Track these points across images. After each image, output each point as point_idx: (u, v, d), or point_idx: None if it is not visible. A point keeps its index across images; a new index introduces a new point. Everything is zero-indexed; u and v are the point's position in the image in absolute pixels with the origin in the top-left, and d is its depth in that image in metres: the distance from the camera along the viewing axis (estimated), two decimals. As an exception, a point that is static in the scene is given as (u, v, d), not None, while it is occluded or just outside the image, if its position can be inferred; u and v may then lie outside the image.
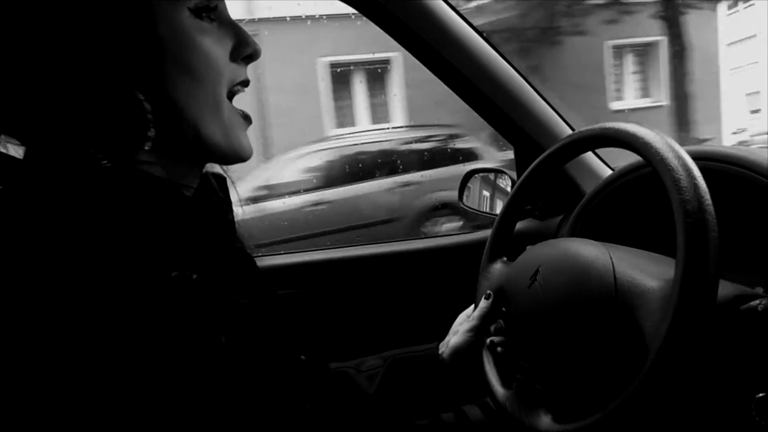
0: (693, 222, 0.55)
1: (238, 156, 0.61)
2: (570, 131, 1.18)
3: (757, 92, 14.31)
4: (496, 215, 1.43)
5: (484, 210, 1.52)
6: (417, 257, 1.37)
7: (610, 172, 1.17)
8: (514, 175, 1.38)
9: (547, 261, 0.75)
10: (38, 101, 0.50)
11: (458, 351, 0.87)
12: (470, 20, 1.10)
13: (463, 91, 1.16)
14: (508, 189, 1.44)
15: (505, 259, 0.91)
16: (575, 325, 0.67)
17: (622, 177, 0.95)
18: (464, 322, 0.90)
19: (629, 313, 0.61)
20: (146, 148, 0.53)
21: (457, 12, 1.08)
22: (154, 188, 0.53)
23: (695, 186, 0.57)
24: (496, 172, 1.53)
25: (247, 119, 0.63)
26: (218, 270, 0.55)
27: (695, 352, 0.55)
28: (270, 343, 0.59)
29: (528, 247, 0.91)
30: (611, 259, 0.67)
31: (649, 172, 0.90)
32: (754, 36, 13.58)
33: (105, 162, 0.51)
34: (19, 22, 0.49)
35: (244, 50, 0.60)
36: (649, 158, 0.64)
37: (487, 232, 1.38)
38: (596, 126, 0.76)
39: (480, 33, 1.11)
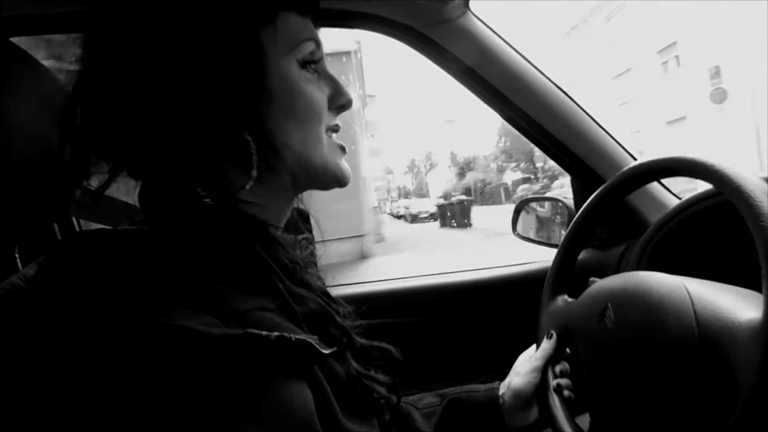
0: None
1: (338, 180, 0.64)
2: (631, 160, 1.15)
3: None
4: (553, 245, 1.43)
5: (540, 240, 1.49)
6: (474, 289, 1.36)
7: (675, 200, 1.13)
8: (570, 203, 1.35)
9: (616, 296, 0.72)
10: (157, 141, 0.54)
11: (520, 393, 0.84)
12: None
13: (517, 121, 1.15)
14: (565, 218, 1.42)
15: (566, 297, 0.88)
16: (654, 365, 0.63)
17: (690, 206, 0.92)
18: (526, 362, 0.87)
19: (714, 350, 0.58)
20: (248, 187, 0.55)
21: (512, 46, 1.09)
22: (248, 227, 0.55)
23: None
24: (551, 200, 1.51)
25: (343, 150, 0.66)
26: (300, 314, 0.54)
27: None
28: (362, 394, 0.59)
29: (592, 281, 0.88)
30: (688, 292, 0.64)
31: (721, 201, 0.87)
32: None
33: (207, 200, 0.53)
34: (146, 65, 0.53)
35: (339, 99, 0.65)
36: (723, 186, 0.61)
37: (545, 263, 1.37)
38: (663, 156, 0.74)
39: (532, 63, 1.11)
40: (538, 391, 0.83)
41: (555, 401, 0.81)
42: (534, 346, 0.90)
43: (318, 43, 0.62)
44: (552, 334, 0.84)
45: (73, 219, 1.05)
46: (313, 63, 0.62)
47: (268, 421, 0.42)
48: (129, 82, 0.54)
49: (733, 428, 0.52)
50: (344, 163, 0.66)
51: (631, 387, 0.66)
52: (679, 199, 1.10)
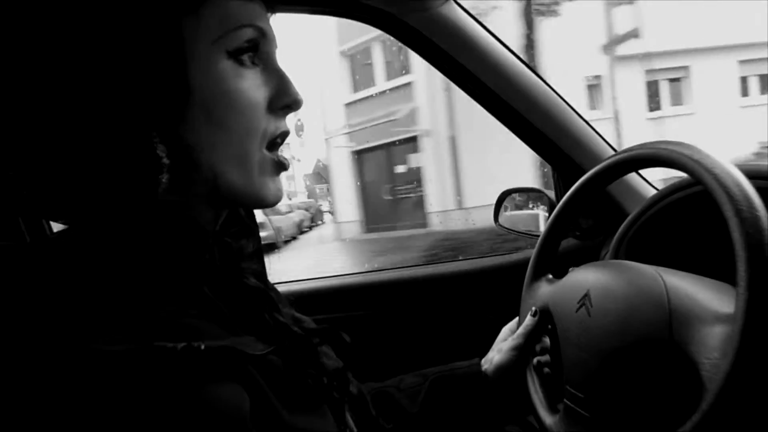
0: (754, 247, 0.52)
1: (259, 202, 0.56)
2: (611, 151, 1.15)
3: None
4: (535, 235, 1.43)
5: (522, 231, 1.50)
6: (455, 280, 1.36)
7: (653, 191, 1.14)
8: (551, 194, 1.36)
9: (596, 285, 0.73)
10: (52, 138, 0.47)
11: (502, 369, 0.85)
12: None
13: (498, 111, 1.15)
14: (545, 209, 1.42)
15: (550, 276, 0.89)
16: (626, 355, 0.64)
17: (667, 196, 0.93)
18: (508, 338, 0.88)
19: (684, 347, 0.58)
20: (159, 191, 0.49)
21: (492, 33, 1.08)
22: (169, 223, 0.51)
23: (752, 207, 0.54)
24: (533, 191, 1.51)
25: (279, 167, 0.57)
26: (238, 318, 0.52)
27: (757, 393, 0.52)
28: (313, 387, 0.56)
29: (574, 269, 0.88)
30: (665, 285, 0.64)
31: (698, 191, 0.88)
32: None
33: (122, 201, 0.48)
34: (39, 57, 0.46)
35: (282, 100, 0.55)
36: (701, 177, 0.61)
37: (525, 254, 1.37)
38: (642, 146, 0.74)
39: (514, 53, 1.10)
40: (518, 367, 0.85)
41: (534, 379, 0.83)
42: (515, 320, 0.92)
43: (262, 31, 0.53)
44: (536, 311, 0.85)
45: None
46: (251, 53, 0.53)
47: (196, 428, 0.40)
48: (22, 73, 0.46)
49: (690, 429, 0.53)
50: (273, 183, 0.57)
51: (603, 374, 0.67)
52: (657, 189, 1.11)
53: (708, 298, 0.61)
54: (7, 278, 0.47)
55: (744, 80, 14.14)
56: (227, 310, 0.50)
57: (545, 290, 0.87)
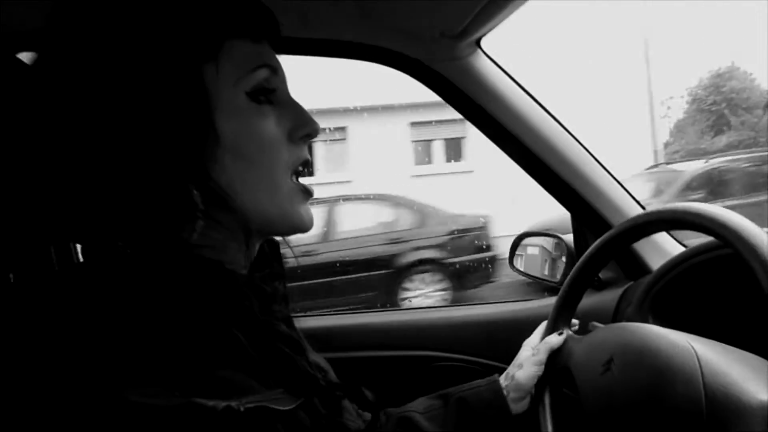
0: None
1: (295, 228, 0.60)
2: (637, 206, 1.15)
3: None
4: (551, 281, 1.42)
5: (538, 276, 1.48)
6: (469, 325, 1.34)
7: (677, 247, 1.13)
8: (569, 240, 1.34)
9: (622, 350, 0.71)
10: (92, 187, 0.49)
11: (522, 385, 0.84)
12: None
13: (522, 159, 1.15)
14: (564, 256, 1.41)
15: (571, 332, 0.88)
16: (655, 430, 0.62)
17: (695, 256, 0.91)
18: (529, 355, 0.87)
19: (720, 427, 0.56)
20: (195, 236, 0.51)
21: (518, 83, 1.09)
22: (205, 273, 0.51)
23: None
24: (550, 236, 1.50)
25: (307, 193, 0.60)
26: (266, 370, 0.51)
27: None
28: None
29: (595, 325, 0.87)
30: (698, 359, 0.62)
31: (729, 253, 0.87)
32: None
33: (156, 250, 0.50)
34: (78, 107, 0.48)
35: (301, 130, 0.59)
36: (735, 246, 0.60)
37: (542, 302, 1.35)
38: (675, 206, 0.73)
39: (540, 103, 1.11)
40: (541, 383, 0.84)
41: (546, 401, 0.83)
42: (536, 334, 0.91)
43: (274, 69, 0.57)
44: (562, 331, 0.85)
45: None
46: (268, 92, 0.56)
47: None
48: (60, 125, 0.49)
49: None
50: (305, 210, 0.60)
51: None
52: (684, 246, 1.10)
53: (743, 377, 0.59)
54: (40, 312, 0.47)
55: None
56: (259, 359, 0.50)
57: (566, 347, 0.85)
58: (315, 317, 1.41)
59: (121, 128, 0.48)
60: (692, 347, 0.64)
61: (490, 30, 0.94)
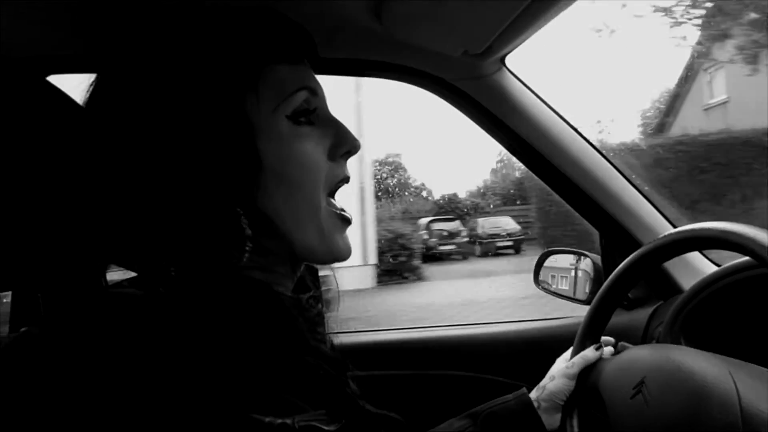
0: None
1: (334, 258, 0.60)
2: (667, 224, 1.12)
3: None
4: (577, 300, 1.39)
5: (564, 295, 1.46)
6: (494, 343, 1.32)
7: (709, 266, 1.10)
8: (596, 258, 1.32)
9: (654, 372, 0.69)
10: (145, 217, 0.51)
11: (555, 398, 0.83)
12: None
13: (548, 176, 1.14)
14: (590, 274, 1.38)
15: (600, 350, 0.86)
16: None
17: (729, 275, 0.89)
18: (562, 368, 0.86)
19: None
20: (244, 260, 0.52)
21: (543, 100, 1.08)
22: (255, 295, 0.53)
23: None
24: (576, 254, 1.48)
25: (345, 221, 0.61)
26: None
27: None
28: None
29: (625, 345, 0.85)
30: (734, 383, 0.60)
31: (761, 273, 0.84)
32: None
33: (207, 269, 0.52)
34: (121, 147, 0.51)
35: (342, 148, 0.60)
36: (766, 261, 0.58)
37: (565, 321, 1.33)
38: (705, 225, 0.71)
39: (565, 119, 1.10)
40: (566, 402, 0.83)
41: (574, 422, 0.82)
42: (571, 350, 0.90)
43: (313, 90, 0.58)
44: (600, 346, 0.84)
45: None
46: (308, 113, 0.57)
47: None
48: (112, 156, 0.52)
49: None
50: (344, 240, 0.61)
51: None
52: (717, 266, 1.07)
53: None
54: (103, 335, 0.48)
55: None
56: (305, 379, 0.51)
57: (596, 366, 0.83)
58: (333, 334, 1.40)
59: (170, 159, 0.50)
60: (729, 372, 0.62)
61: (515, 48, 0.94)
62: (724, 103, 12.16)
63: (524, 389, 0.86)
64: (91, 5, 0.72)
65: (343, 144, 0.59)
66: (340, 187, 0.61)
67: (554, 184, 1.14)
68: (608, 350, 0.86)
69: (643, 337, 1.12)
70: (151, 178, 0.50)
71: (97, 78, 0.55)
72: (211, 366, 0.45)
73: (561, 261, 1.55)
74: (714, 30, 10.50)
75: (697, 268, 1.11)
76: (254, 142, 0.52)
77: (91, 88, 0.55)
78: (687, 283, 1.08)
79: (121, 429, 0.42)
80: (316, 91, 0.58)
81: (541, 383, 0.87)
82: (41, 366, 0.47)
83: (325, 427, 0.46)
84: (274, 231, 0.54)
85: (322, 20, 0.84)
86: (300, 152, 0.55)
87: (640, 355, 0.76)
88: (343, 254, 0.60)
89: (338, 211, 0.60)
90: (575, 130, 1.10)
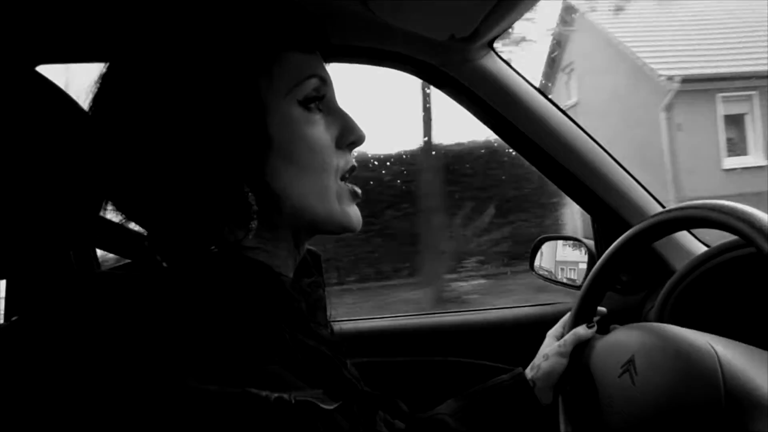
0: None
1: (345, 229, 0.62)
2: (657, 206, 1.12)
3: None
4: (571, 285, 1.40)
5: (559, 280, 1.46)
6: (488, 329, 1.33)
7: (701, 247, 1.10)
8: (590, 244, 1.32)
9: (642, 350, 0.70)
10: (156, 189, 0.54)
11: (549, 375, 0.84)
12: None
13: (538, 160, 1.14)
14: (585, 259, 1.39)
15: (593, 327, 0.87)
16: (674, 430, 0.61)
17: (717, 255, 0.89)
18: (554, 345, 0.87)
19: (739, 424, 0.55)
20: (249, 237, 0.54)
21: (534, 87, 1.08)
22: (256, 275, 0.55)
23: None
24: (570, 240, 1.48)
25: (354, 195, 0.63)
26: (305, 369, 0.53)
27: None
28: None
29: (616, 327, 0.85)
30: (718, 361, 0.61)
31: (752, 252, 0.84)
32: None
33: (213, 248, 0.54)
34: (143, 117, 0.53)
35: (348, 137, 0.62)
36: (757, 243, 0.59)
37: (561, 306, 1.34)
38: (692, 204, 0.71)
39: (554, 103, 1.10)
40: (560, 377, 0.84)
41: (565, 399, 0.83)
42: (560, 325, 0.91)
43: (324, 79, 0.60)
44: (593, 324, 0.86)
45: (90, 247, 1.05)
46: (318, 100, 0.59)
47: None
48: (125, 132, 0.54)
49: None
50: (353, 210, 0.63)
51: None
52: (707, 246, 1.07)
53: (763, 377, 0.58)
54: (107, 305, 0.50)
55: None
56: (303, 358, 0.52)
57: (586, 345, 0.84)
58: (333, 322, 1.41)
59: (184, 135, 0.52)
60: (712, 347, 0.63)
61: (503, 31, 0.94)
62: (574, 106, 11.28)
63: (520, 369, 0.87)
64: None
65: (350, 134, 0.62)
66: (349, 176, 0.63)
67: (544, 168, 1.14)
68: (597, 318, 0.88)
69: (637, 320, 1.13)
70: (165, 152, 0.52)
71: (113, 58, 0.57)
72: (207, 342, 0.46)
73: (555, 247, 1.56)
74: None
75: (688, 250, 1.11)
76: (265, 123, 0.54)
77: (107, 67, 0.57)
78: (678, 265, 1.08)
79: (116, 408, 0.44)
80: (326, 81, 0.61)
81: (535, 362, 0.88)
82: (35, 353, 0.49)
83: (322, 405, 0.47)
84: (280, 207, 0.56)
85: (310, 6, 0.83)
86: (309, 136, 0.57)
87: (628, 334, 0.76)
88: (352, 224, 0.62)
89: (349, 187, 0.63)
90: (564, 113, 1.09)
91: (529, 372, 0.86)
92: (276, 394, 0.43)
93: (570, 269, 1.48)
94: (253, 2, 0.58)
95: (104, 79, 0.57)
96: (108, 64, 0.58)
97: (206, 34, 0.55)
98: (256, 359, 0.47)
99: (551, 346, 0.87)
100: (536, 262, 1.56)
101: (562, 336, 0.88)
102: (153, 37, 0.57)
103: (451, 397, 0.87)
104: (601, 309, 0.89)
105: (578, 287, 1.34)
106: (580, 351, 0.84)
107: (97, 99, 0.57)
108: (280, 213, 0.56)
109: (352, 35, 0.98)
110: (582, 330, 0.85)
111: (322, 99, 0.60)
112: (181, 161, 0.52)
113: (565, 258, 1.50)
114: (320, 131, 0.59)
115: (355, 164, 0.64)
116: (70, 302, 0.52)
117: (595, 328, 0.85)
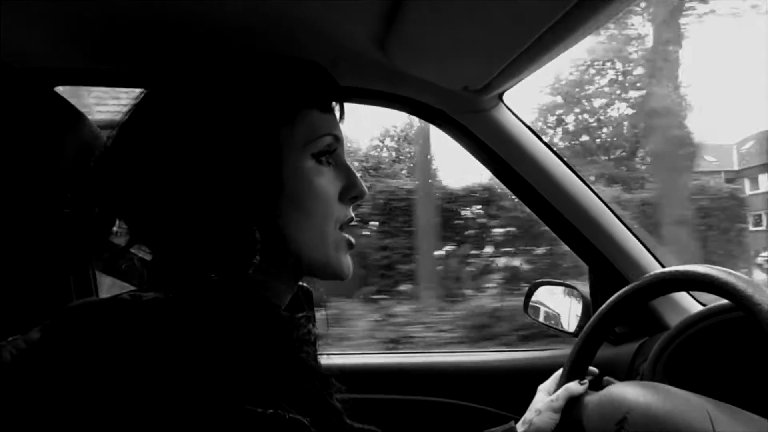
0: None
1: (336, 276, 0.66)
2: (656, 264, 1.15)
3: None
4: (565, 332, 1.41)
5: (553, 326, 1.47)
6: (481, 372, 1.33)
7: (695, 305, 1.12)
8: (585, 291, 1.34)
9: (637, 408, 0.70)
10: (170, 218, 0.57)
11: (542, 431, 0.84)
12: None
13: (541, 211, 1.17)
14: (579, 306, 1.40)
15: (585, 383, 0.87)
16: None
17: (713, 316, 0.91)
18: (547, 400, 0.86)
19: None
20: (249, 271, 0.57)
21: (539, 137, 1.11)
22: (253, 305, 0.57)
23: None
24: (565, 286, 1.50)
25: (350, 245, 0.67)
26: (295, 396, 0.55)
27: None
28: None
29: (608, 381, 0.86)
30: (710, 418, 0.62)
31: (743, 316, 0.86)
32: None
33: (213, 276, 0.56)
34: (167, 149, 0.57)
35: (352, 191, 0.66)
36: (743, 306, 0.61)
37: (557, 353, 1.34)
38: (689, 268, 0.74)
39: (561, 157, 1.13)
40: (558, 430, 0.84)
41: None
42: (552, 380, 0.92)
43: (337, 138, 0.65)
44: (586, 381, 0.86)
45: (90, 271, 1.04)
46: (329, 154, 0.64)
47: None
48: (150, 159, 0.57)
49: None
50: (346, 260, 0.66)
51: None
52: (702, 305, 1.09)
53: None
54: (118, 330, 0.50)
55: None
56: (292, 388, 0.54)
57: (580, 400, 0.84)
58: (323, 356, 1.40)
59: (207, 172, 0.56)
60: (707, 411, 0.64)
61: (514, 85, 0.97)
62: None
63: (512, 423, 0.87)
64: (99, 22, 0.75)
65: (353, 188, 0.66)
66: (347, 227, 0.67)
67: (546, 217, 1.16)
68: (590, 377, 0.88)
69: (628, 372, 1.14)
70: (186, 185, 0.56)
71: (148, 91, 0.62)
72: (205, 366, 0.48)
73: (550, 292, 1.57)
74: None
75: (682, 306, 1.13)
76: (281, 171, 0.59)
77: (141, 96, 0.62)
78: (672, 320, 1.10)
79: (121, 426, 0.45)
80: (339, 139, 0.66)
81: (526, 417, 0.88)
82: (47, 374, 0.49)
83: (313, 429, 0.49)
84: (283, 246, 0.60)
85: (327, 49, 0.86)
86: (317, 186, 0.62)
87: (623, 392, 0.77)
88: (345, 272, 0.66)
89: (345, 237, 0.67)
90: (568, 166, 1.12)
91: (520, 426, 0.86)
92: (271, 410, 0.46)
93: (564, 316, 1.49)
94: (285, 63, 0.65)
95: (137, 108, 0.61)
96: (143, 93, 0.62)
97: (240, 84, 0.60)
98: (250, 382, 0.49)
99: (543, 401, 0.87)
100: (530, 306, 1.58)
101: (555, 391, 0.88)
102: (191, 75, 0.62)
103: None
104: (593, 369, 0.90)
105: (571, 334, 1.35)
106: (571, 407, 0.84)
107: (126, 125, 0.61)
108: (283, 252, 0.60)
109: (367, 79, 1.01)
110: (574, 386, 0.85)
111: (332, 153, 0.65)
112: (200, 195, 0.56)
113: (559, 304, 1.52)
114: (327, 182, 0.63)
115: (354, 217, 0.68)
116: (76, 328, 0.52)
117: (587, 385, 0.85)
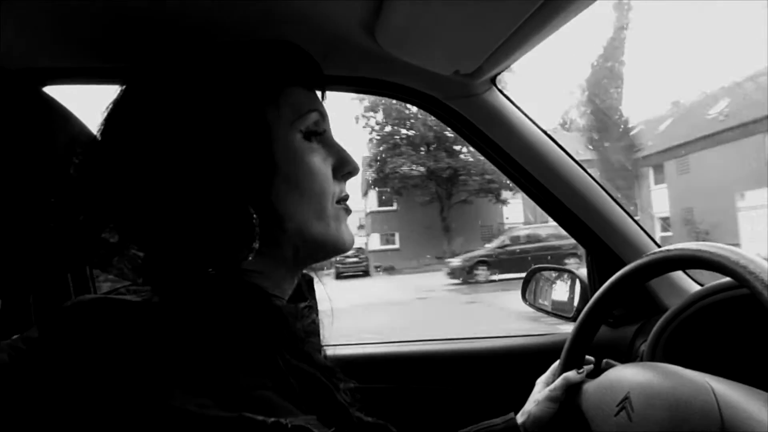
0: None
1: (338, 249, 0.65)
2: (652, 244, 1.14)
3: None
4: (564, 317, 1.41)
5: (551, 311, 1.47)
6: (481, 358, 1.33)
7: (693, 285, 1.12)
8: (583, 275, 1.34)
9: (638, 388, 0.70)
10: (161, 209, 0.56)
11: (542, 422, 0.85)
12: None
13: (536, 195, 1.16)
14: (577, 290, 1.40)
15: (582, 372, 0.87)
16: None
17: (710, 295, 0.91)
18: (545, 390, 0.87)
19: None
20: (249, 258, 0.56)
21: (532, 120, 1.11)
22: (252, 298, 0.56)
23: None
24: (563, 271, 1.50)
25: (347, 210, 0.67)
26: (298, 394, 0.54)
27: None
28: None
29: (607, 363, 0.86)
30: (715, 396, 0.62)
31: (744, 293, 0.86)
32: None
33: (210, 270, 0.55)
34: (155, 139, 0.56)
35: (345, 168, 0.66)
36: (749, 285, 0.60)
37: (556, 337, 1.35)
38: (686, 246, 0.73)
39: (554, 139, 1.12)
40: (557, 420, 0.84)
41: None
42: (550, 371, 0.92)
43: (323, 114, 0.65)
44: (583, 370, 0.86)
45: (87, 269, 1.04)
46: (317, 134, 0.64)
47: None
48: (139, 155, 0.56)
49: None
50: (347, 229, 0.66)
51: None
52: (700, 285, 1.09)
53: (759, 411, 0.59)
54: (99, 331, 0.50)
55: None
56: (296, 385, 0.53)
57: (579, 387, 0.85)
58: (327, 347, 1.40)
59: (196, 158, 0.56)
60: (709, 385, 0.64)
61: (506, 68, 0.96)
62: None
63: (512, 414, 0.88)
64: (87, 20, 0.74)
65: (346, 165, 0.66)
66: (343, 202, 0.67)
67: (542, 201, 1.16)
68: (587, 367, 0.88)
69: (628, 354, 1.14)
70: (177, 174, 0.55)
71: (128, 85, 0.61)
72: (201, 366, 0.47)
73: (548, 278, 1.57)
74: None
75: (681, 286, 1.13)
76: (272, 149, 0.59)
77: (121, 91, 0.61)
78: (670, 301, 1.10)
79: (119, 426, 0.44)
80: (325, 116, 0.66)
81: (525, 408, 0.89)
82: (44, 375, 0.49)
83: (316, 431, 0.47)
84: (282, 227, 0.59)
85: (319, 38, 0.85)
86: (310, 164, 0.61)
87: (621, 374, 0.77)
88: (347, 243, 0.66)
89: (342, 207, 0.66)
90: (562, 149, 1.12)
91: (520, 417, 0.87)
92: (272, 419, 0.44)
93: (562, 300, 1.49)
94: (262, 45, 0.65)
95: (118, 103, 0.60)
96: (123, 87, 0.61)
97: (220, 68, 0.60)
98: (249, 384, 0.48)
99: (542, 392, 0.88)
100: (528, 292, 1.58)
101: (553, 381, 0.88)
102: (170, 67, 0.61)
103: (439, 426, 0.87)
104: (590, 357, 0.90)
105: (569, 318, 1.35)
106: (571, 395, 0.85)
107: (109, 121, 0.60)
108: (283, 233, 0.60)
109: (359, 66, 1.00)
110: (572, 374, 0.86)
111: (322, 133, 0.65)
112: (195, 184, 0.55)
113: (558, 289, 1.52)
114: (319, 159, 0.63)
115: (348, 194, 0.68)
116: (68, 327, 0.52)
117: (584, 373, 0.86)
